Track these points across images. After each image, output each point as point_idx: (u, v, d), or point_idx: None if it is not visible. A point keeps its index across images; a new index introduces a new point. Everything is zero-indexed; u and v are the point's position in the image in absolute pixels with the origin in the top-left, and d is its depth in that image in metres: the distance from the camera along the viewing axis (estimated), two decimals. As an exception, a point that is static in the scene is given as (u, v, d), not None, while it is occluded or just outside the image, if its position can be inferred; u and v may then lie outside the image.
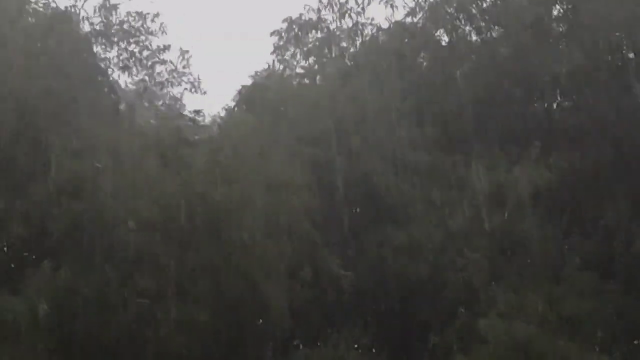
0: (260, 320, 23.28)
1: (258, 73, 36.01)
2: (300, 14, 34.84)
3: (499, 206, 26.07)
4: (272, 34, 34.97)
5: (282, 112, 28.33)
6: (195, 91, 37.85)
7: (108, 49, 34.23)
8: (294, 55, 35.10)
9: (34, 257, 23.09)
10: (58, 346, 21.34)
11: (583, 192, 28.42)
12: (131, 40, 34.71)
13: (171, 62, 36.96)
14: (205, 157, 23.46)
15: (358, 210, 27.04)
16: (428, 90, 30.58)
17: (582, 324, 24.32)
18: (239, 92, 30.85)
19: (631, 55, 30.91)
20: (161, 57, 35.96)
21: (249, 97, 29.82)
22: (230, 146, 23.83)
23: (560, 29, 31.87)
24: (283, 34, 35.04)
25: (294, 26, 34.84)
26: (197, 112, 27.80)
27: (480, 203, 25.93)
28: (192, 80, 37.58)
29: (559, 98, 32.08)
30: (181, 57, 37.32)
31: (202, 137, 25.31)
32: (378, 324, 27.32)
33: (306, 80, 33.35)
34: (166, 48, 36.08)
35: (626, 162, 29.27)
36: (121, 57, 34.79)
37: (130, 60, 34.87)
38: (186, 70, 38.68)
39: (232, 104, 34.87)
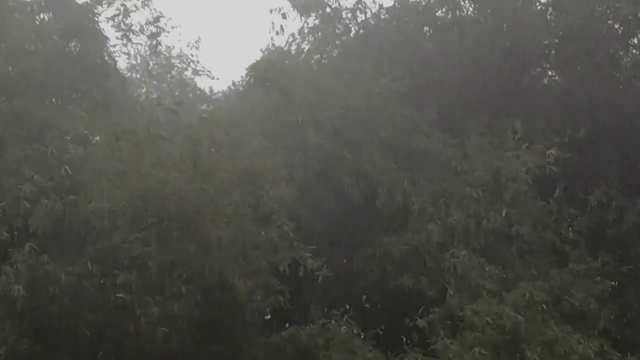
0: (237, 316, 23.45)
1: (264, 50, 35.89)
2: None
3: (496, 194, 26.09)
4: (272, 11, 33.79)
5: (286, 92, 27.91)
6: (203, 74, 38.71)
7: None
8: (299, 33, 34.43)
9: (16, 241, 22.78)
10: (30, 329, 21.66)
11: (575, 167, 28.63)
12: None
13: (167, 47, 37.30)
14: (182, 151, 22.99)
15: (354, 202, 26.89)
16: (431, 71, 30.61)
17: (578, 310, 24.43)
18: (248, 71, 30.16)
19: (617, 25, 31.15)
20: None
21: (259, 77, 28.99)
22: (210, 139, 23.27)
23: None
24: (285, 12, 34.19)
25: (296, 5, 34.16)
26: (179, 103, 27.49)
27: (479, 194, 25.87)
28: (198, 67, 38.34)
29: (549, 72, 32.72)
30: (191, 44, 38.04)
31: (182, 128, 24.38)
32: (364, 308, 27.92)
33: (313, 58, 32.98)
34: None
35: (616, 134, 29.94)
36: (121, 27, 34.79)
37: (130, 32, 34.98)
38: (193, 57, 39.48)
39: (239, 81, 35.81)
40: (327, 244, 26.75)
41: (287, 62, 30.23)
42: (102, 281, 21.96)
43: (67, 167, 22.72)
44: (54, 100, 28.00)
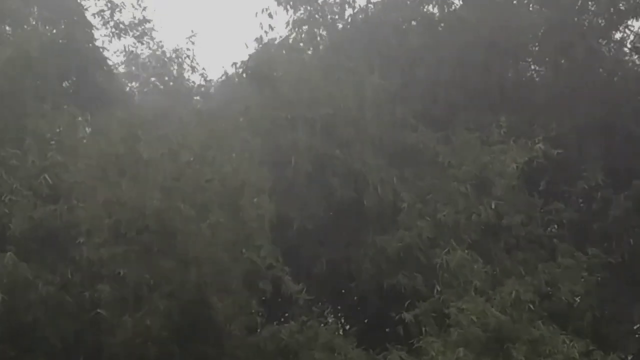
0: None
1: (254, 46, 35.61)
2: None
3: (484, 190, 26.40)
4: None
5: (278, 89, 27.97)
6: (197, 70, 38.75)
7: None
8: (286, 26, 34.93)
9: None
10: (6, 335, 21.81)
11: (561, 161, 28.76)
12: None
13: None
14: (162, 168, 22.98)
15: (344, 201, 26.97)
16: (420, 67, 30.93)
17: (565, 305, 24.63)
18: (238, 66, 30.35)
19: (598, 19, 31.50)
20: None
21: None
22: (190, 153, 23.49)
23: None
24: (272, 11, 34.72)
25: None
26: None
27: (467, 189, 26.17)
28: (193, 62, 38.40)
29: (532, 67, 33.22)
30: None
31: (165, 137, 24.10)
32: (349, 304, 28.18)
33: (302, 53, 33.01)
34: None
35: (599, 127, 30.48)
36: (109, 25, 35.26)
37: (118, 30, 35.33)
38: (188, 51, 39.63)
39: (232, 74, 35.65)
40: (317, 244, 27.21)
41: (278, 57, 30.18)
42: (81, 292, 22.10)
43: (46, 175, 22.99)
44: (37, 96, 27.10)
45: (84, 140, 24.47)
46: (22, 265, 21.67)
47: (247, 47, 36.07)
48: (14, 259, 21.56)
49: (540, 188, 28.76)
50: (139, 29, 36.16)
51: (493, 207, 25.92)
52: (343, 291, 28.23)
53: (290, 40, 34.73)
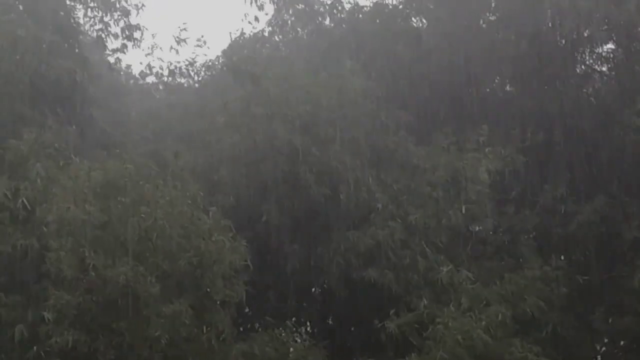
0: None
1: (237, 38, 36.34)
2: None
3: (456, 195, 26.98)
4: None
5: (259, 84, 28.31)
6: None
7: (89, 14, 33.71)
8: (271, 24, 35.57)
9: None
10: None
11: (530, 171, 29.82)
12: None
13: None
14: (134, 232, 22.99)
15: (318, 198, 27.28)
16: (403, 75, 31.68)
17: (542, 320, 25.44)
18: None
19: (562, 41, 32.39)
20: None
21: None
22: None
23: (494, 18, 33.52)
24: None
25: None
26: None
27: (438, 194, 26.82)
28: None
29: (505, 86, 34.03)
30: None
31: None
32: (326, 317, 28.55)
33: (285, 51, 33.58)
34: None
35: (567, 141, 31.30)
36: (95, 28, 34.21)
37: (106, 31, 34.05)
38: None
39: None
40: (289, 239, 27.50)
41: (261, 53, 30.54)
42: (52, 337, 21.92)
43: (24, 199, 23.21)
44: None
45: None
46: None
47: (231, 38, 36.47)
48: None
49: (511, 196, 29.38)
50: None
51: (463, 211, 26.46)
52: (313, 290, 28.71)
53: (276, 37, 35.34)
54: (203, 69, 38.23)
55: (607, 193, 29.62)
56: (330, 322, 29.20)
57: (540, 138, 29.61)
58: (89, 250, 22.15)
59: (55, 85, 27.90)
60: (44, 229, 22.80)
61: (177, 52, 37.93)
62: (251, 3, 34.66)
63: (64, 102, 28.47)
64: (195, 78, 38.50)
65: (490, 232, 27.44)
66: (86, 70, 28.90)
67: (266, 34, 36.32)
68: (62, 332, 21.59)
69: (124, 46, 35.11)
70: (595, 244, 29.58)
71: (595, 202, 28.97)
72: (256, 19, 34.62)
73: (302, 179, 27.13)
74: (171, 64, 38.89)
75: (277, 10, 35.73)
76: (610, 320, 28.75)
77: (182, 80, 38.79)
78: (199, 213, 23.86)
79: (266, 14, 36.01)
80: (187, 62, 38.71)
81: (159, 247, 22.87)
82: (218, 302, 23.53)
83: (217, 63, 37.54)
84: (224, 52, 34.80)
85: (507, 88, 34.47)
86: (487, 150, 27.19)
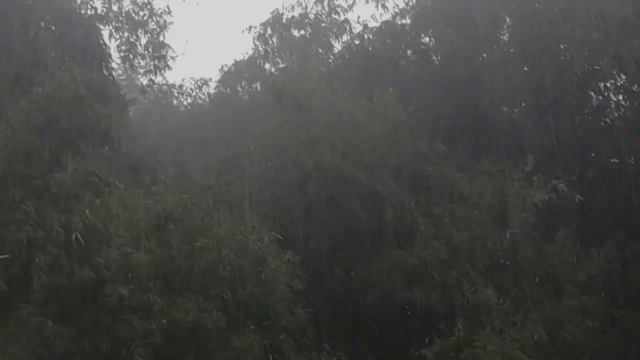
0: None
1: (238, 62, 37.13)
2: (282, 12, 36.16)
3: (501, 222, 27.04)
4: (249, 29, 36.16)
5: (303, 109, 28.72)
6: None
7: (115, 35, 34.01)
8: (277, 50, 36.29)
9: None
10: None
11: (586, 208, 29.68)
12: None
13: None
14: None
15: (361, 221, 27.64)
16: (418, 98, 31.94)
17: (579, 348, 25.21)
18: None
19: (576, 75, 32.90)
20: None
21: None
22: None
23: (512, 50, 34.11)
24: (266, 28, 36.32)
25: (277, 26, 35.96)
26: None
27: (484, 218, 27.05)
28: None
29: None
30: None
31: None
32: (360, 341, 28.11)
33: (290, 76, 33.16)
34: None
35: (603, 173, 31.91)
36: (122, 48, 34.35)
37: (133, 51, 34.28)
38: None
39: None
40: (335, 261, 28.01)
41: (303, 79, 30.81)
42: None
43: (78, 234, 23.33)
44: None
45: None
46: (46, 324, 22.38)
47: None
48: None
49: (560, 234, 28.75)
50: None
51: (508, 237, 26.93)
52: (352, 313, 28.61)
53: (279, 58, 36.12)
54: (219, 87, 38.31)
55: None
56: (365, 346, 28.90)
57: (590, 171, 30.33)
58: (154, 293, 22.30)
59: (93, 124, 27.95)
60: (98, 260, 22.97)
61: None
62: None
63: (100, 137, 28.46)
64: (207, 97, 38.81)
65: (533, 260, 27.61)
66: (121, 112, 29.38)
67: (276, 55, 36.53)
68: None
69: (156, 67, 35.07)
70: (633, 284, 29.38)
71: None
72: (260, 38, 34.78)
73: (348, 202, 27.49)
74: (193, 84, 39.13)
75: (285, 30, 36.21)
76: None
77: (200, 101, 39.01)
78: (256, 240, 24.03)
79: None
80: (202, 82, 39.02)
81: (223, 279, 23.02)
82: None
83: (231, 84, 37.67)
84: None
85: (520, 117, 34.76)
86: (534, 179, 27.55)
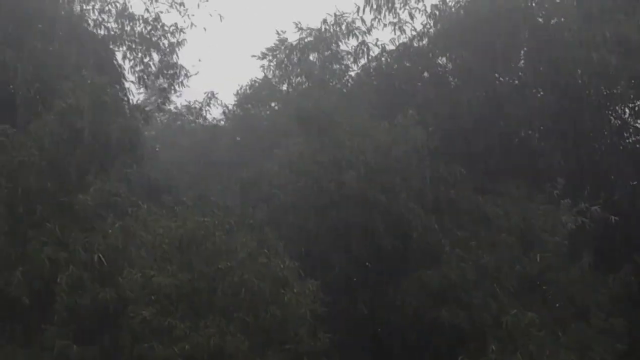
0: None
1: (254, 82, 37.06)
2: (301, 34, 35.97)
3: (529, 245, 27.18)
4: (264, 55, 36.14)
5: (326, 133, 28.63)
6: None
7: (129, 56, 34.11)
8: (291, 72, 36.27)
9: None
10: None
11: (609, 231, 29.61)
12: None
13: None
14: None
15: (386, 244, 27.56)
16: (436, 119, 31.80)
17: None
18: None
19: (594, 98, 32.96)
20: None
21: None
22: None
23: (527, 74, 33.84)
24: (280, 54, 36.34)
25: (295, 51, 35.89)
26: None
27: (512, 241, 27.06)
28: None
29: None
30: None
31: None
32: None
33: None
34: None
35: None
36: (136, 69, 34.52)
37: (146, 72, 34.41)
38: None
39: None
40: (361, 285, 27.83)
41: (324, 102, 30.72)
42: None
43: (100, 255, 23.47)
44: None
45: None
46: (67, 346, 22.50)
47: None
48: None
49: (586, 259, 28.44)
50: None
51: (538, 260, 26.83)
52: (379, 340, 28.52)
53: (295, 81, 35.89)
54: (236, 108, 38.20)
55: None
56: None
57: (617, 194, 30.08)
58: (176, 317, 22.27)
59: (118, 138, 27.84)
60: (121, 280, 23.03)
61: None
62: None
63: (125, 151, 28.42)
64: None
65: (562, 284, 27.46)
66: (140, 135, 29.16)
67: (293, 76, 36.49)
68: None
69: (170, 85, 35.16)
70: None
71: None
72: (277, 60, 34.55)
73: (371, 225, 27.39)
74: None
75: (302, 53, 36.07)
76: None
77: (215, 122, 39.00)
78: (279, 263, 24.00)
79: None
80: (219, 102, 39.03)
81: (245, 302, 23.00)
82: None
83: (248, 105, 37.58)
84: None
85: (538, 141, 34.75)
86: (562, 202, 27.52)
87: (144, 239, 23.91)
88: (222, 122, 39.43)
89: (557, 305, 27.41)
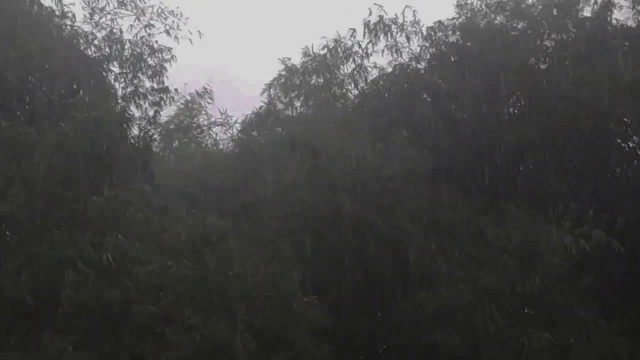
0: None
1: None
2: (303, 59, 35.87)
3: (530, 266, 26.65)
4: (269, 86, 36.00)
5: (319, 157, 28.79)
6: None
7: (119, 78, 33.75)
8: (292, 96, 36.00)
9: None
10: None
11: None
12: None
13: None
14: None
15: (382, 267, 27.43)
16: (432, 141, 31.57)
17: None
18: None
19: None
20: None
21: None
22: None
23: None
24: (281, 79, 36.02)
25: (295, 74, 35.69)
26: None
27: (511, 263, 26.53)
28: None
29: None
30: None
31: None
32: None
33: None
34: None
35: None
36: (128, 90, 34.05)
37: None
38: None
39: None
40: (357, 307, 27.58)
41: (317, 125, 30.84)
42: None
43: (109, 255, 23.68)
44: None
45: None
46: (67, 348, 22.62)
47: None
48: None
49: (586, 281, 27.83)
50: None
51: (537, 282, 26.38)
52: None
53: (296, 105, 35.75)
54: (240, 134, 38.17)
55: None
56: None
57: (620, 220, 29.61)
58: (188, 308, 22.52)
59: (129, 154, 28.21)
60: (128, 282, 23.24)
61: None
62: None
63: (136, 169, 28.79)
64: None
65: (564, 305, 26.99)
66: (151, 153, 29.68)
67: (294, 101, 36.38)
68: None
69: (161, 99, 34.74)
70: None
71: None
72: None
73: (368, 248, 27.23)
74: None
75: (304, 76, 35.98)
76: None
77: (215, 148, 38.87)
78: (289, 273, 24.38)
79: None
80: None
81: (255, 305, 23.20)
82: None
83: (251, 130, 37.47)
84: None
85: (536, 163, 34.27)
86: (565, 223, 27.08)
87: (157, 239, 24.41)
88: (224, 146, 39.25)
89: (557, 326, 26.76)
